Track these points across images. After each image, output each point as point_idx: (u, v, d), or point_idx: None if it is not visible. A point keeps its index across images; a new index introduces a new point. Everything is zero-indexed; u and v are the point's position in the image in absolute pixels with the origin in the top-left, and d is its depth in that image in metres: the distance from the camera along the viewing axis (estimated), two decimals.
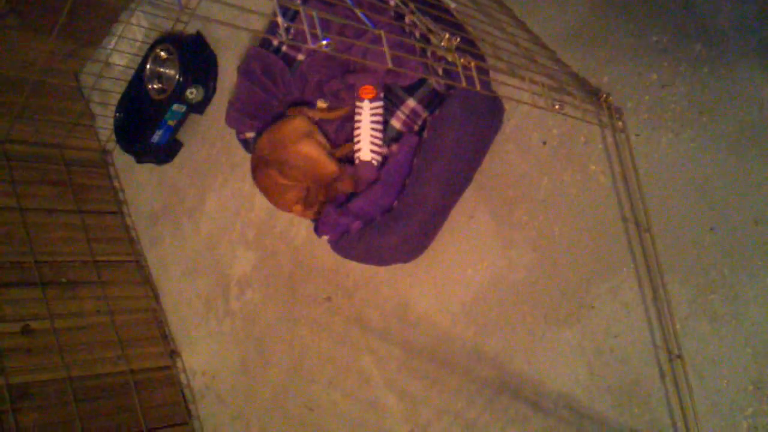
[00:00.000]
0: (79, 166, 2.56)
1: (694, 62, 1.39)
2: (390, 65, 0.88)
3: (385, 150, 1.75)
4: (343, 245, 1.74)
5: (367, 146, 1.74)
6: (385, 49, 0.88)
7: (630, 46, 1.48)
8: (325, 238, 1.77)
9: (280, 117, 1.88)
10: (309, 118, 1.82)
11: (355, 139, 1.76)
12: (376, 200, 1.69)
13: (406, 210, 1.64)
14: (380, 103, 1.74)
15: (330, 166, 1.75)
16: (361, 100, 1.73)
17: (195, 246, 2.37)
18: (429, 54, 1.59)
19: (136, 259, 2.52)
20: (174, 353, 2.42)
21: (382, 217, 1.68)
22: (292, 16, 1.88)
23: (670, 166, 1.41)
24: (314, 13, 0.84)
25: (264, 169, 1.80)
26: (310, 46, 0.81)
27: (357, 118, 1.75)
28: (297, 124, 1.80)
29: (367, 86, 1.73)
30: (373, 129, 1.74)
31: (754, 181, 1.32)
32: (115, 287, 2.41)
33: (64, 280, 2.31)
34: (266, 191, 1.83)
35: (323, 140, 1.81)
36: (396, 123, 1.74)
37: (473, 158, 1.65)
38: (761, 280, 1.30)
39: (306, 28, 0.82)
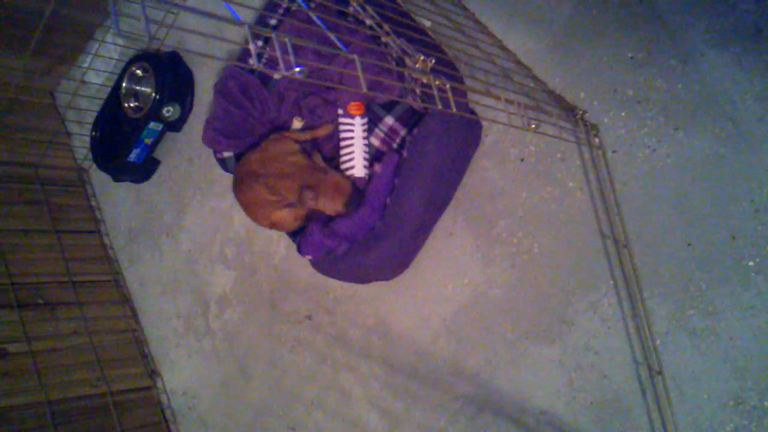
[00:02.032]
0: (55, 185, 2.54)
1: (669, 77, 1.40)
2: (365, 90, 0.88)
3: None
4: (325, 264, 1.73)
5: (361, 162, 1.74)
6: (360, 74, 0.88)
7: (606, 62, 1.49)
8: (308, 257, 1.75)
9: (260, 138, 1.87)
10: (294, 140, 1.81)
11: (346, 156, 1.74)
12: (362, 223, 1.68)
13: (388, 230, 1.63)
14: (367, 119, 1.74)
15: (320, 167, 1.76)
16: (352, 116, 1.73)
17: (174, 264, 2.35)
18: (405, 75, 1.58)
19: (114, 278, 2.49)
20: (154, 373, 2.39)
21: (364, 237, 1.67)
22: (265, 39, 1.87)
23: (647, 181, 1.42)
24: (287, 40, 0.83)
25: (251, 184, 1.77)
26: (284, 73, 0.80)
27: (346, 135, 1.74)
28: (289, 143, 1.80)
29: (356, 102, 1.72)
30: (364, 145, 1.74)
31: (730, 196, 1.33)
32: (94, 307, 2.38)
33: (41, 301, 2.27)
34: (248, 206, 1.81)
35: (318, 158, 1.81)
36: (375, 141, 1.74)
37: (453, 177, 1.65)
38: (739, 294, 1.31)
39: (279, 54, 0.81)
